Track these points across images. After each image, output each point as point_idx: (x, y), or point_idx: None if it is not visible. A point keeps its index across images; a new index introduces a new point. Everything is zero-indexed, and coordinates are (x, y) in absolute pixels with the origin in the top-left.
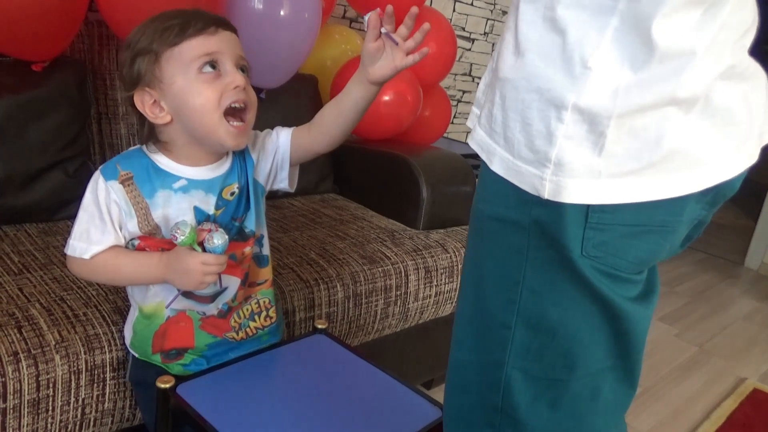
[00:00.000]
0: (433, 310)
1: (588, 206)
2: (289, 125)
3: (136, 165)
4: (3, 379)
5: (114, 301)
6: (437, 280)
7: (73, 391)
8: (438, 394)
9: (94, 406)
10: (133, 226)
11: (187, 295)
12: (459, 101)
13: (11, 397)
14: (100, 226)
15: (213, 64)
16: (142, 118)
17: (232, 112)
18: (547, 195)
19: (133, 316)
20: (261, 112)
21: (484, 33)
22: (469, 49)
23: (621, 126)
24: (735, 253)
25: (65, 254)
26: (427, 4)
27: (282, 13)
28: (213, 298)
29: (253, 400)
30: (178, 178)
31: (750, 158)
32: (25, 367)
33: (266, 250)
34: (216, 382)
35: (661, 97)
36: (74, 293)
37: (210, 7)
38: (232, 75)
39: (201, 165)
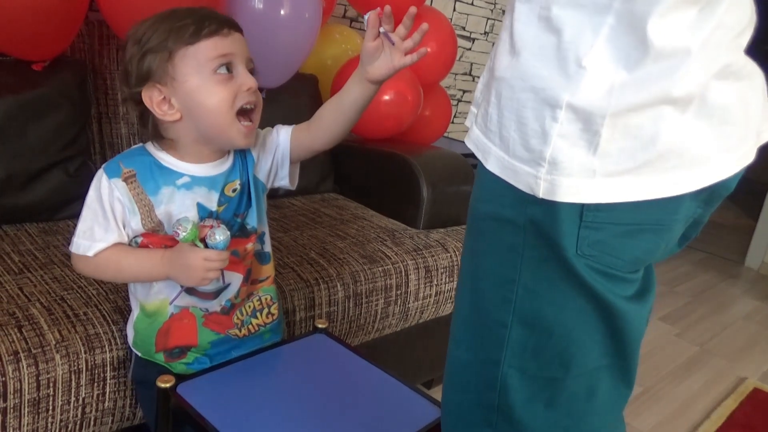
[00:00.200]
0: (434, 309)
1: (583, 205)
2: (290, 124)
3: (138, 163)
4: (3, 379)
5: (114, 300)
6: (437, 280)
7: (73, 390)
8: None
9: (94, 405)
10: (136, 224)
11: (190, 291)
12: (459, 101)
13: (11, 396)
14: (103, 224)
15: (228, 67)
16: (144, 116)
17: (242, 113)
18: (542, 194)
19: (134, 315)
20: (262, 111)
21: (485, 32)
22: (470, 49)
23: (615, 125)
24: (735, 253)
25: (70, 252)
26: (428, 3)
27: (282, 12)
28: (216, 294)
29: (254, 399)
30: (182, 174)
31: (746, 158)
32: (25, 367)
33: (267, 247)
34: (216, 381)
35: (656, 95)
36: (74, 293)
37: (211, 6)
38: (245, 77)
39: (204, 162)
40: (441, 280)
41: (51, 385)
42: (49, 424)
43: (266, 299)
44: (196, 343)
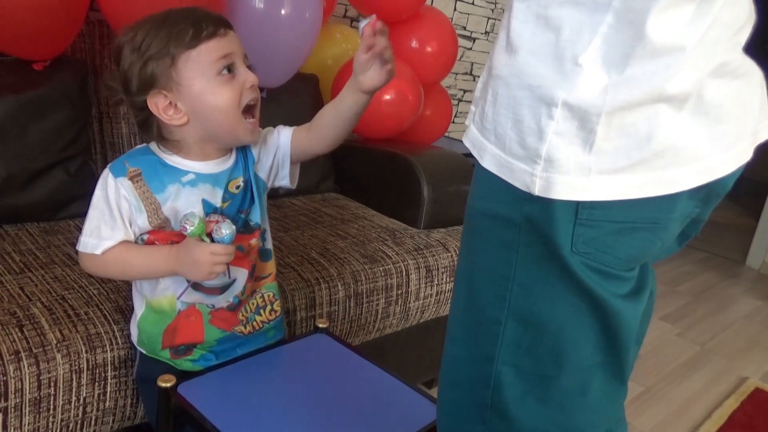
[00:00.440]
0: (434, 309)
1: (578, 203)
2: (291, 125)
3: (143, 162)
4: (4, 378)
5: (115, 300)
6: (438, 280)
7: (74, 390)
8: None
9: (95, 404)
10: (143, 222)
11: (197, 287)
12: (460, 100)
13: (12, 396)
14: (110, 222)
15: (230, 67)
16: (147, 122)
17: (246, 109)
18: (537, 191)
19: (138, 314)
20: (262, 111)
21: (485, 32)
22: (470, 48)
23: (611, 123)
24: (736, 253)
25: (77, 251)
26: (428, 3)
27: (283, 12)
28: (222, 290)
29: (254, 399)
30: (187, 172)
31: (743, 156)
32: (26, 366)
33: (269, 244)
34: (217, 381)
35: (651, 93)
36: (75, 292)
37: (211, 6)
38: (246, 74)
39: (208, 160)
40: (442, 279)
41: (52, 384)
42: (50, 424)
43: (269, 296)
44: (203, 340)
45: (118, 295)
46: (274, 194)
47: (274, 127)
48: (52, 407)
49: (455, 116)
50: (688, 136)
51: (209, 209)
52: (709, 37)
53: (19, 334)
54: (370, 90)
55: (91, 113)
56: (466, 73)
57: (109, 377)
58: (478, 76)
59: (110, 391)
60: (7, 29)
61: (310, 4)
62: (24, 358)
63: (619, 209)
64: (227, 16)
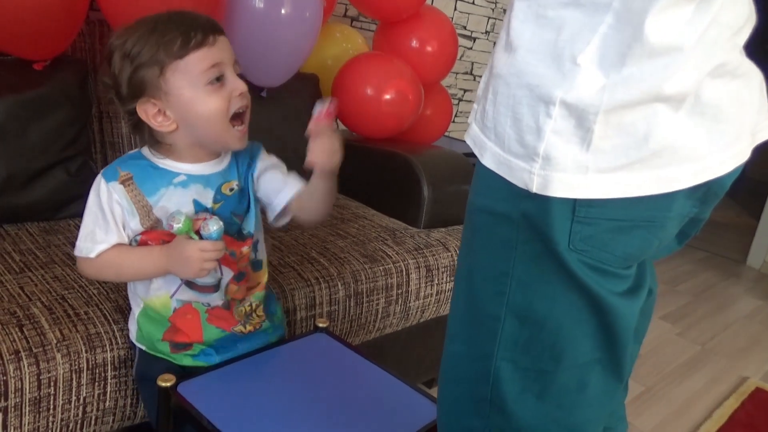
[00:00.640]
0: (434, 309)
1: (575, 200)
2: (291, 124)
3: (135, 166)
4: (4, 378)
5: (115, 299)
6: (438, 279)
7: (74, 389)
8: None
9: (95, 404)
10: (135, 224)
11: (191, 285)
12: (460, 100)
13: (12, 395)
14: (103, 226)
15: (219, 76)
16: (138, 126)
17: (235, 116)
18: (535, 189)
19: (136, 312)
20: (263, 111)
21: (486, 32)
22: (471, 48)
23: (608, 122)
24: (737, 252)
25: (75, 256)
26: (429, 2)
27: (283, 12)
28: (216, 288)
29: (254, 398)
30: (178, 174)
31: (741, 157)
32: (26, 366)
33: (261, 255)
34: (217, 380)
35: (649, 93)
36: (75, 292)
37: (211, 7)
38: (235, 82)
39: (200, 162)
40: (442, 279)
41: (52, 384)
42: (50, 423)
43: (255, 304)
44: (202, 340)
45: (118, 295)
46: None
47: (287, 169)
48: (52, 407)
49: (455, 116)
50: (685, 136)
51: (200, 209)
52: (708, 38)
53: (19, 333)
54: (315, 169)
55: (92, 113)
56: (466, 73)
57: (109, 377)
58: (479, 76)
59: (110, 391)
60: (8, 29)
61: (310, 3)
62: (24, 357)
63: (616, 207)
64: (227, 15)
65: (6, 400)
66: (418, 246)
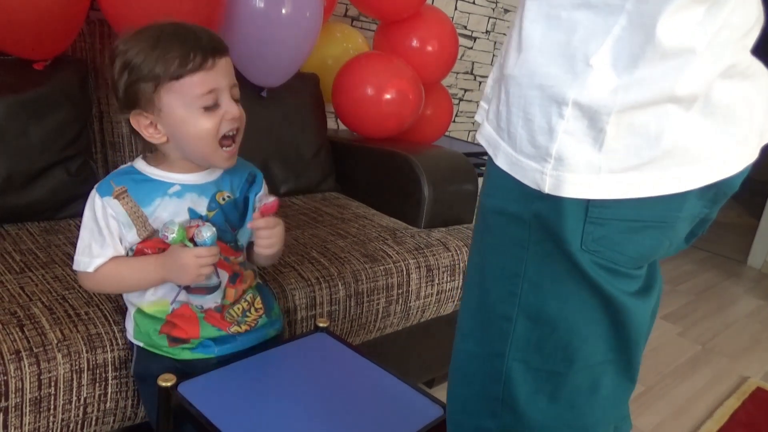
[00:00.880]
0: (435, 308)
1: (588, 201)
2: (291, 124)
3: (129, 180)
4: (5, 378)
5: (116, 300)
6: (439, 279)
7: (74, 389)
8: (439, 392)
9: (95, 405)
10: (132, 236)
11: (186, 288)
12: (461, 100)
13: (13, 395)
14: (99, 240)
15: (214, 101)
16: (134, 130)
17: (224, 137)
18: (547, 189)
19: (132, 311)
20: (263, 111)
21: (486, 31)
22: (471, 48)
23: (621, 122)
24: (738, 252)
25: (74, 271)
26: (429, 2)
27: (283, 11)
28: (209, 290)
29: (255, 398)
30: (172, 184)
31: (750, 157)
32: (26, 366)
33: (254, 266)
34: (217, 380)
35: (661, 94)
36: (76, 292)
37: (211, 7)
38: (228, 106)
39: (193, 172)
40: (442, 279)
41: (52, 384)
42: (51, 424)
43: (250, 298)
44: (199, 336)
45: (118, 296)
46: (274, 194)
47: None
48: (52, 407)
49: (456, 116)
50: (697, 136)
51: (194, 217)
52: (718, 39)
53: (20, 333)
54: (259, 254)
55: (92, 113)
56: (466, 73)
57: (109, 377)
58: (479, 76)
59: (111, 392)
60: (8, 29)
61: (311, 3)
62: (24, 357)
63: (628, 208)
64: (227, 15)
65: (6, 400)
66: (418, 246)
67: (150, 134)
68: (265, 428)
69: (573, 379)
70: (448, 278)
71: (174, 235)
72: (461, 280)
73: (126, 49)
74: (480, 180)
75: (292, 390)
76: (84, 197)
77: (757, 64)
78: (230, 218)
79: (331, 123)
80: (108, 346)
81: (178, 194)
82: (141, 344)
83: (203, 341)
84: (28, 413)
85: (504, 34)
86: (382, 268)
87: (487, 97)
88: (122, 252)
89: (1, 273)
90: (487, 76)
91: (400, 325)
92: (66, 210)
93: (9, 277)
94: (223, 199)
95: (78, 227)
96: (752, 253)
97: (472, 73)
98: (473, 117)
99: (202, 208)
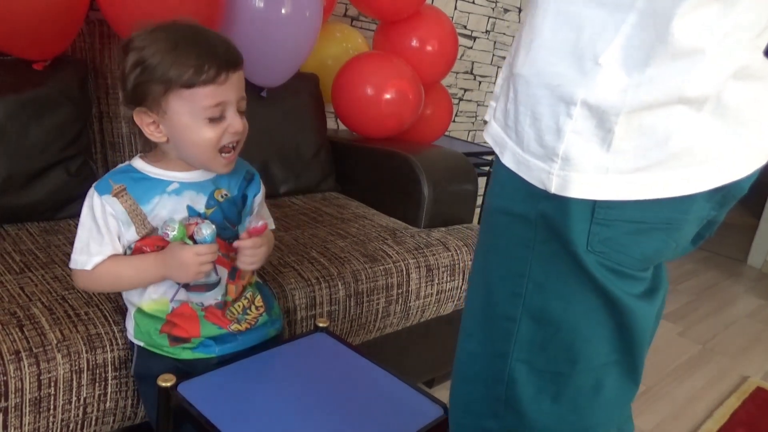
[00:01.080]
0: (435, 308)
1: (595, 202)
2: (291, 124)
3: (127, 178)
4: (5, 378)
5: (115, 300)
6: (439, 279)
7: (74, 390)
8: (439, 392)
9: (95, 405)
10: (131, 234)
11: (186, 286)
12: (461, 99)
13: (13, 395)
14: (98, 239)
15: (220, 114)
16: (135, 123)
17: (224, 147)
18: (554, 189)
19: (132, 311)
20: (263, 111)
21: (486, 31)
22: (471, 48)
23: (629, 123)
24: (738, 252)
25: (70, 269)
26: (429, 2)
27: (283, 11)
28: (208, 287)
29: (255, 398)
30: (171, 182)
31: (760, 159)
32: (26, 366)
33: None
34: (217, 380)
35: (671, 95)
36: (76, 292)
37: (211, 7)
38: (233, 119)
39: (191, 170)
40: (442, 279)
41: (52, 384)
42: (51, 424)
43: (250, 296)
44: (199, 335)
45: (118, 296)
46: (274, 194)
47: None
48: (52, 407)
49: (456, 115)
50: (706, 138)
51: (193, 214)
52: (730, 40)
53: (20, 333)
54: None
55: (92, 113)
56: (466, 72)
57: (109, 378)
58: (479, 75)
59: (111, 392)
60: (8, 29)
61: (311, 3)
62: (24, 357)
63: (635, 209)
64: (227, 15)
65: (6, 400)
66: (418, 245)
67: (150, 132)
68: (265, 428)
69: (576, 380)
70: (448, 278)
71: (175, 232)
72: (461, 280)
73: (142, 46)
74: (480, 180)
75: (292, 390)
76: (84, 197)
77: None
78: (228, 215)
79: (331, 123)
80: (108, 346)
81: (177, 192)
82: (142, 344)
83: (204, 341)
84: (27, 413)
85: (504, 34)
86: (381, 268)
87: (496, 96)
88: (120, 250)
89: (0, 273)
90: (487, 76)
91: (400, 325)
92: (66, 210)
93: (9, 277)
94: (222, 196)
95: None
96: (752, 252)
97: (472, 73)
98: (473, 117)
99: (200, 205)
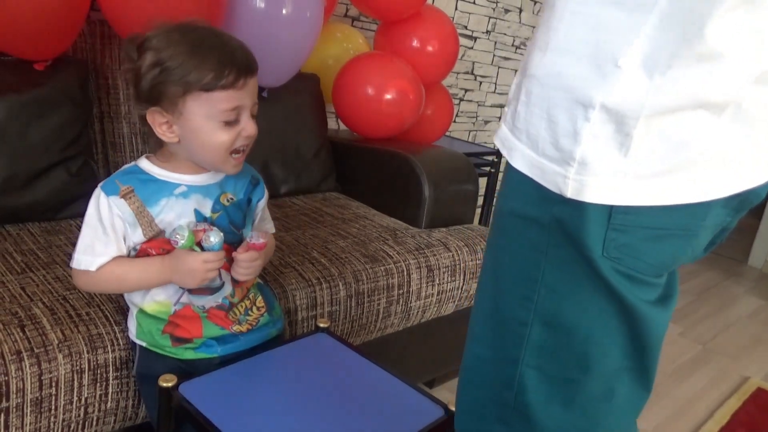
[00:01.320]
0: (435, 309)
1: (611, 207)
2: (292, 124)
3: (135, 180)
4: (6, 378)
5: (117, 300)
6: (439, 279)
7: (75, 390)
8: (440, 393)
9: (96, 405)
10: (138, 236)
11: (189, 289)
12: (461, 100)
13: (14, 396)
14: (103, 239)
15: (236, 117)
16: (146, 122)
17: (235, 149)
18: (570, 194)
19: (134, 311)
20: (263, 111)
21: (487, 31)
22: (471, 48)
23: (649, 127)
24: (739, 252)
25: (71, 268)
26: (429, 2)
27: (284, 11)
28: (211, 291)
29: (256, 398)
30: (178, 184)
31: None
32: (27, 366)
33: None
34: (218, 380)
35: (692, 99)
36: (77, 293)
37: (212, 7)
38: (246, 123)
39: (198, 173)
40: (443, 279)
41: (53, 384)
42: (52, 424)
43: (252, 296)
44: (201, 335)
45: (119, 296)
46: (275, 194)
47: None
48: (53, 407)
49: (456, 116)
50: (725, 144)
51: (200, 219)
52: (753, 44)
53: (21, 334)
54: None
55: (93, 113)
56: (467, 73)
57: (110, 378)
58: (480, 76)
59: (112, 392)
60: (9, 29)
61: (311, 3)
62: (26, 358)
63: (652, 215)
64: (228, 15)
65: (8, 400)
66: (419, 246)
67: (162, 132)
68: (265, 428)
69: (588, 386)
70: (449, 278)
71: (184, 240)
72: (462, 281)
73: (160, 47)
74: (480, 180)
75: (293, 390)
76: (85, 197)
77: None
78: (234, 219)
79: (332, 123)
80: (109, 347)
81: (185, 195)
82: (144, 344)
83: (206, 341)
84: (29, 413)
85: (504, 34)
86: (382, 268)
87: (509, 101)
88: (125, 252)
89: (2, 273)
90: (487, 77)
91: (400, 326)
92: (67, 210)
93: (10, 277)
94: (227, 200)
95: (79, 227)
96: (753, 253)
97: (472, 73)
98: (474, 117)
99: (206, 209)
